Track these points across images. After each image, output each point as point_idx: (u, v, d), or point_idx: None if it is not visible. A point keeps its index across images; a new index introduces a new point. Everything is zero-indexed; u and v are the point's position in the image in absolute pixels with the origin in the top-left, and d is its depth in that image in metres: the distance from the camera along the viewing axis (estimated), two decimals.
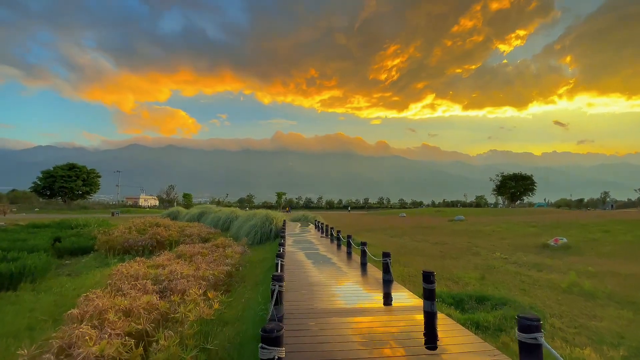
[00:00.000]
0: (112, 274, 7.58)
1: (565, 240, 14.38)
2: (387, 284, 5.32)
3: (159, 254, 10.23)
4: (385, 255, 5.26)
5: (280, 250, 5.65)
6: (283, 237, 8.80)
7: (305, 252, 8.60)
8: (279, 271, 4.19)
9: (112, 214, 47.43)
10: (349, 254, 8.24)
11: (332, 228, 12.05)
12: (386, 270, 5.39)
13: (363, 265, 6.58)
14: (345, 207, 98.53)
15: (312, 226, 20.06)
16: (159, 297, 6.11)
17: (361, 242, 6.88)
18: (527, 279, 9.95)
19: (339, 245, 9.79)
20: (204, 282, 6.87)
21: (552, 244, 14.23)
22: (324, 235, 13.39)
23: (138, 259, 9.17)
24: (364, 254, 6.77)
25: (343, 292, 4.50)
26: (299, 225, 20.65)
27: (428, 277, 3.63)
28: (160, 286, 6.59)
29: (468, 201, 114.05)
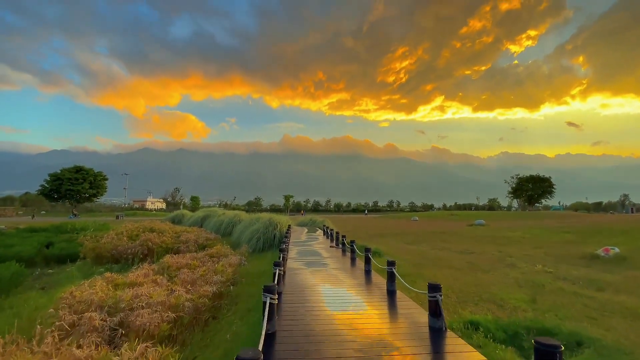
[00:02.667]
0: (63, 297, 5.91)
1: (617, 250, 12.24)
2: (436, 334, 3.27)
3: (137, 268, 8.56)
4: (434, 288, 3.30)
5: (274, 277, 3.87)
6: (283, 251, 6.50)
7: (311, 269, 6.70)
8: (265, 327, 2.41)
9: (117, 217, 46.50)
10: (367, 272, 6.41)
11: (344, 236, 10.18)
12: (435, 311, 3.36)
13: (390, 295, 4.63)
14: (354, 211, 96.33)
15: (320, 232, 18.24)
16: (107, 340, 4.39)
17: (388, 261, 4.90)
18: (590, 301, 7.93)
19: (353, 259, 7.84)
20: (175, 314, 5.12)
21: (603, 254, 12.11)
22: (334, 244, 11.55)
23: (108, 274, 7.53)
24: (391, 277, 4.85)
25: (364, 354, 2.68)
26: (306, 230, 18.84)
27: (551, 356, 1.68)
28: (114, 320, 4.87)
29: (480, 204, 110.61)
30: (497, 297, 8.31)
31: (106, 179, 68.28)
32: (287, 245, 8.95)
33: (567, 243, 15.65)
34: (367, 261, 6.45)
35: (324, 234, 16.03)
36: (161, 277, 7.59)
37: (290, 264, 7.33)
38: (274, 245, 15.43)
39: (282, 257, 5.68)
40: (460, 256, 13.57)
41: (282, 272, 4.52)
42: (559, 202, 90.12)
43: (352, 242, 8.22)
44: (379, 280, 5.84)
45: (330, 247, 10.72)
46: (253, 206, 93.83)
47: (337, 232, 12.18)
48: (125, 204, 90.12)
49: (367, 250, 6.50)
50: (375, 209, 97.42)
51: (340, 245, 10.76)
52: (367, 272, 6.37)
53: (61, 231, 25.15)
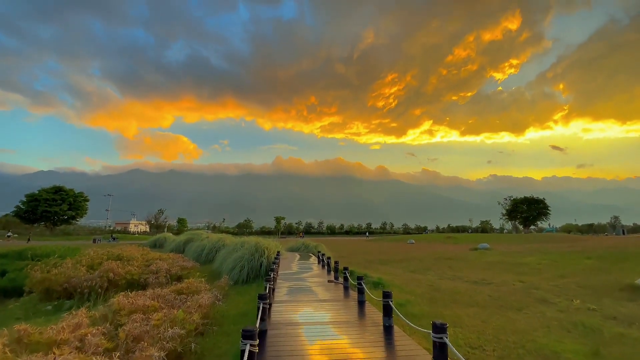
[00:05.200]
0: None
1: None
2: None
3: (70, 314, 6.40)
4: None
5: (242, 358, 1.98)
6: (263, 298, 4.17)
7: (306, 324, 4.47)
8: None
9: (94, 241, 43.22)
10: (387, 330, 4.26)
11: (345, 268, 8.15)
12: None
13: None
14: (347, 233, 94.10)
15: (313, 258, 16.13)
16: None
17: (434, 323, 2.83)
18: None
19: (361, 303, 5.80)
20: None
21: None
22: (333, 277, 9.50)
23: (21, 326, 5.38)
24: (440, 351, 2.85)
25: None
26: (297, 257, 16.67)
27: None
28: None
29: (474, 226, 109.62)
30: (547, 348, 6.37)
31: (87, 200, 64.96)
32: (274, 284, 6.87)
33: (593, 271, 13.89)
34: (387, 312, 4.29)
35: (318, 262, 13.95)
36: (97, 329, 5.46)
37: (276, 313, 5.28)
38: (261, 275, 13.29)
39: (262, 309, 3.73)
40: (478, 288, 11.63)
41: (255, 349, 2.57)
42: (549, 224, 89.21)
43: (360, 279, 6.13)
44: (407, 344, 3.78)
45: (329, 282, 8.69)
46: (243, 228, 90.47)
47: (336, 262, 10.15)
48: (108, 227, 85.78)
49: (385, 295, 4.25)
50: (369, 231, 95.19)
51: (340, 278, 8.77)
52: (388, 330, 4.17)
53: (22, 257, 22.35)
